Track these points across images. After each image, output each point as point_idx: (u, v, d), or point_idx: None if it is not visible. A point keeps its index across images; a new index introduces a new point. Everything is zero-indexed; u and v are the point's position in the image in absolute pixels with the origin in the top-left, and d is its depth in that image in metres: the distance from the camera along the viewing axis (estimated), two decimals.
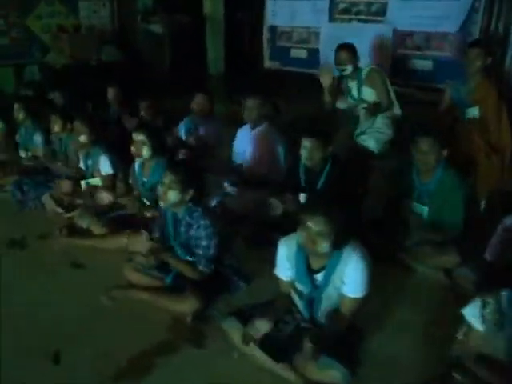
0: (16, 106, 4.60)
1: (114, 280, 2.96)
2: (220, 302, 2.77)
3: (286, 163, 3.90)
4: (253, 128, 3.95)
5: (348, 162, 3.66)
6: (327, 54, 5.91)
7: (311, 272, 2.30)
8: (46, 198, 3.88)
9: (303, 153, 3.31)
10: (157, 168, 3.31)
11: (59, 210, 3.75)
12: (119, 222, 3.38)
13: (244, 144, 4.00)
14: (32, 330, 2.61)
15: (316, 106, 6.63)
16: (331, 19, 5.85)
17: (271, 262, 3.17)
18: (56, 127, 4.14)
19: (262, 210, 3.61)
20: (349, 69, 4.12)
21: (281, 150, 3.92)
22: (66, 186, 3.73)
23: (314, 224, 2.10)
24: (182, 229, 2.73)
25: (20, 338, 2.55)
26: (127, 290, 2.82)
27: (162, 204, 2.69)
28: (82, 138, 3.63)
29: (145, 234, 2.66)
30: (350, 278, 2.22)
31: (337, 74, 4.33)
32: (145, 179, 3.38)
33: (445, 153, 3.03)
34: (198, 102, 4.27)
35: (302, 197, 3.44)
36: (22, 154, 4.62)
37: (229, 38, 9.12)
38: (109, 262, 3.18)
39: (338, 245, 2.16)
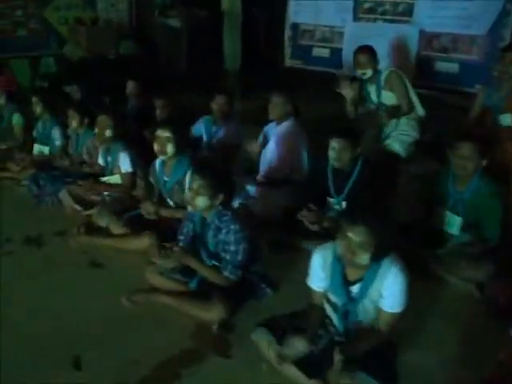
0: (34, 99, 4.50)
1: (134, 282, 2.85)
2: (246, 309, 2.66)
3: (308, 163, 3.80)
4: (277, 124, 3.84)
5: (377, 164, 3.55)
6: (350, 53, 5.79)
7: (347, 283, 2.19)
8: (64, 195, 3.78)
9: (331, 154, 3.22)
10: (179, 167, 3.20)
11: (77, 207, 3.65)
12: (139, 221, 3.27)
13: (267, 141, 3.89)
14: (49, 334, 2.51)
15: (337, 106, 6.51)
16: (356, 18, 5.72)
17: (296, 268, 3.11)
18: (74, 122, 4.04)
19: (284, 213, 3.51)
20: (368, 72, 4.03)
21: (304, 150, 3.80)
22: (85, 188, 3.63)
23: (355, 234, 1.99)
24: (211, 233, 2.62)
25: (36, 342, 2.45)
26: (149, 294, 2.71)
27: (190, 209, 2.58)
28: (108, 133, 3.53)
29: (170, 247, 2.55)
30: (389, 291, 2.11)
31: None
32: (166, 178, 3.27)
33: (484, 162, 2.91)
34: (219, 102, 4.12)
35: (331, 201, 3.35)
36: (39, 148, 4.53)
37: (245, 35, 9.03)
38: (129, 263, 3.08)
39: (377, 256, 2.05)
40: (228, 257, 2.57)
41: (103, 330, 2.53)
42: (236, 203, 3.74)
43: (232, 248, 2.55)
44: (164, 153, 3.14)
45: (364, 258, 2.02)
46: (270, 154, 3.82)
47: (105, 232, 3.38)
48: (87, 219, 3.52)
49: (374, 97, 4.14)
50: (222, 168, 2.65)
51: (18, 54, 6.95)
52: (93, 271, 3.05)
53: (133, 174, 3.60)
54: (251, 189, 3.79)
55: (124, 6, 8.03)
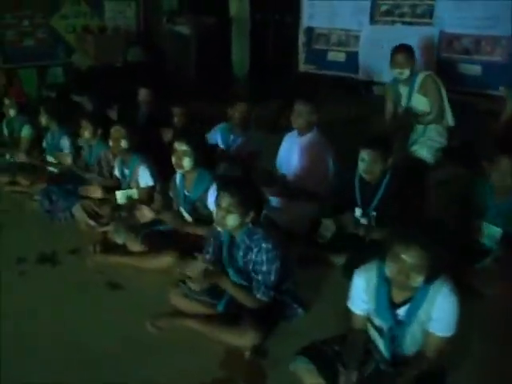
0: (42, 109, 4.35)
1: (156, 304, 2.68)
2: (277, 332, 2.47)
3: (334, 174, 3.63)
4: (301, 135, 3.66)
5: (406, 173, 3.38)
6: (367, 57, 5.63)
7: (393, 306, 2.01)
8: (77, 210, 3.61)
9: (361, 165, 3.04)
10: (200, 181, 3.03)
11: (92, 222, 3.48)
12: (159, 238, 3.09)
13: (290, 152, 3.71)
14: (66, 360, 2.34)
15: (353, 111, 6.33)
16: (372, 21, 5.54)
17: (326, 285, 2.93)
18: (86, 133, 3.87)
19: (310, 226, 3.34)
20: (406, 72, 3.86)
21: (330, 160, 3.62)
22: (94, 191, 3.45)
23: (410, 257, 1.82)
24: (240, 252, 2.43)
25: (54, 367, 2.29)
26: (175, 318, 2.53)
27: (219, 229, 2.41)
28: (123, 144, 3.36)
29: (200, 257, 2.37)
30: (440, 314, 1.94)
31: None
32: (187, 193, 3.09)
33: None
34: (240, 110, 3.95)
35: (358, 212, 3.17)
36: (49, 160, 4.37)
37: (255, 41, 8.89)
38: (149, 284, 2.91)
39: (431, 278, 1.87)
40: (260, 277, 2.39)
41: (125, 356, 2.36)
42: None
43: (264, 268, 2.37)
44: (181, 167, 2.97)
45: (418, 280, 1.86)
46: (293, 165, 3.64)
47: (122, 250, 3.20)
48: (103, 236, 3.35)
49: (404, 99, 3.96)
50: (251, 183, 2.47)
51: (25, 64, 6.82)
52: (111, 292, 2.88)
53: (151, 188, 3.43)
54: (274, 200, 3.62)
55: (132, 13, 7.89)
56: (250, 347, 2.29)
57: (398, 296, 2.01)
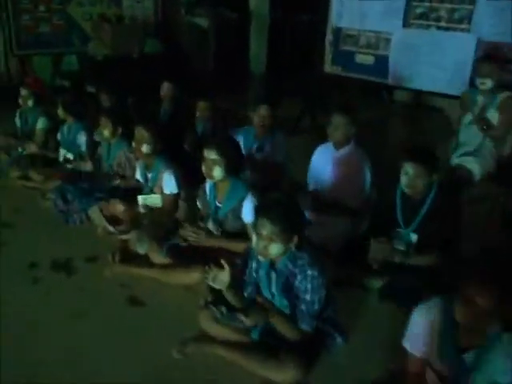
0: (59, 102, 4.11)
1: (183, 326, 2.46)
2: (317, 364, 2.26)
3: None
4: (337, 148, 3.41)
5: (453, 188, 3.16)
6: (398, 61, 5.38)
7: (459, 351, 1.79)
8: (95, 213, 3.39)
9: (404, 179, 2.81)
10: (233, 192, 2.79)
11: (111, 228, 3.25)
12: (185, 251, 2.87)
13: (324, 165, 3.47)
14: None
15: (377, 115, 6.05)
16: (406, 24, 5.27)
17: (364, 311, 2.71)
18: (106, 131, 3.63)
19: (343, 244, 3.12)
20: (489, 84, 3.69)
21: (368, 174, 3.39)
22: (118, 208, 3.23)
23: (485, 300, 1.59)
24: (282, 279, 2.21)
25: None
26: (204, 345, 2.31)
27: (261, 258, 2.18)
28: (145, 148, 3.12)
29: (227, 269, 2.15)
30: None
31: None
32: (218, 204, 2.86)
33: None
34: (263, 114, 3.62)
35: (399, 232, 2.94)
36: (64, 153, 4.14)
37: (276, 38, 8.65)
38: (174, 301, 2.69)
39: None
40: (303, 307, 2.17)
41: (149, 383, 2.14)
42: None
43: (308, 297, 2.15)
44: (211, 177, 2.74)
45: (493, 326, 1.64)
46: (328, 179, 3.41)
47: (144, 260, 2.97)
48: (122, 244, 3.12)
49: (478, 109, 3.81)
50: (293, 205, 2.23)
51: (40, 51, 6.58)
52: (132, 309, 2.65)
53: (176, 196, 3.20)
54: (308, 215, 3.40)
55: (150, 3, 7.63)
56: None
57: (465, 340, 1.79)
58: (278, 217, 2.07)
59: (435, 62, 5.11)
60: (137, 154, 3.23)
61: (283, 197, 2.23)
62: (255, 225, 2.13)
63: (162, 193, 3.20)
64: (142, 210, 3.23)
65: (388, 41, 5.43)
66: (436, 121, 6.29)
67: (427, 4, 5.13)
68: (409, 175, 2.78)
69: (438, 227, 2.78)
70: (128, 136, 3.67)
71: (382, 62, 5.49)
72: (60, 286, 2.84)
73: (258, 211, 2.15)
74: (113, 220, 3.31)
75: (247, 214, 2.76)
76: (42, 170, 4.10)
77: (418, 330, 1.88)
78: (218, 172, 2.70)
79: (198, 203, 3.00)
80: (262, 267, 2.27)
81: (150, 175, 3.26)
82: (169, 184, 3.14)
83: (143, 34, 7.29)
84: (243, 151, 3.77)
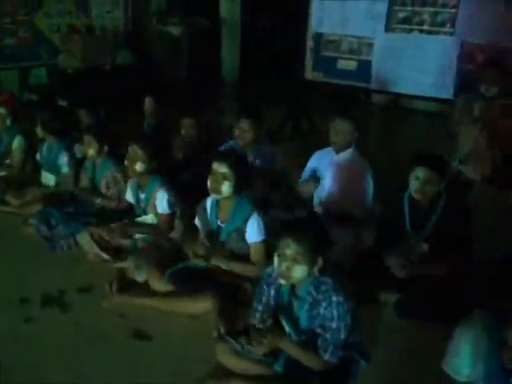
0: (38, 120, 3.85)
1: (197, 361, 2.28)
2: None
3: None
4: (337, 152, 3.30)
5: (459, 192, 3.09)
6: (381, 66, 5.34)
7: (506, 373, 1.68)
8: (84, 238, 3.16)
9: (414, 184, 2.74)
10: (239, 211, 2.63)
11: (105, 256, 3.02)
12: (187, 277, 2.68)
13: (323, 170, 3.35)
14: None
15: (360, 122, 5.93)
16: (388, 29, 5.25)
17: (378, 327, 2.59)
18: (91, 150, 3.41)
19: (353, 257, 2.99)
20: (493, 91, 3.71)
21: (370, 180, 3.28)
22: (118, 232, 3.01)
23: None
24: (305, 306, 2.05)
25: None
26: (224, 380, 2.13)
27: (283, 282, 2.03)
28: (139, 167, 2.92)
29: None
30: None
31: None
32: (221, 223, 2.69)
33: None
34: (244, 128, 3.45)
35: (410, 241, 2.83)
36: (44, 177, 3.89)
37: (252, 45, 8.53)
38: (183, 333, 2.50)
39: None
40: (328, 335, 2.01)
41: None
42: (261, 232, 3.21)
43: (334, 325, 2.00)
44: (218, 192, 2.56)
45: None
46: (327, 186, 3.30)
47: (144, 288, 2.77)
48: (118, 271, 2.90)
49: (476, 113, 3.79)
50: (318, 223, 2.09)
51: (5, 65, 6.24)
52: (137, 344, 2.44)
53: (171, 215, 3.01)
54: None
55: (120, 13, 7.39)
56: None
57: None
58: (303, 236, 1.93)
59: (418, 66, 5.09)
60: (129, 173, 3.02)
61: (308, 216, 2.09)
62: (278, 245, 1.98)
63: (155, 213, 3.01)
64: (137, 236, 3.02)
65: (370, 45, 5.39)
66: (418, 123, 6.30)
67: (409, 8, 5.12)
68: (419, 180, 2.72)
69: (450, 233, 2.69)
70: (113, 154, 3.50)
71: (364, 67, 5.46)
72: (55, 322, 2.60)
73: (283, 230, 2.01)
74: (105, 246, 3.08)
75: (252, 234, 2.61)
76: (20, 194, 3.82)
77: (463, 354, 1.76)
78: (226, 187, 2.53)
79: (196, 222, 2.82)
80: (282, 294, 2.11)
81: (142, 195, 3.06)
82: (163, 202, 2.96)
83: (114, 44, 7.04)
84: None
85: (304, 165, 3.53)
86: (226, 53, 8.74)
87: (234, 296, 2.59)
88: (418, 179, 2.72)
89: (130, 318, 2.61)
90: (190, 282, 2.65)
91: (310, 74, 5.80)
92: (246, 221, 2.60)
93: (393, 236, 2.89)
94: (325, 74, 5.72)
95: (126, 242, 3.06)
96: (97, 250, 3.04)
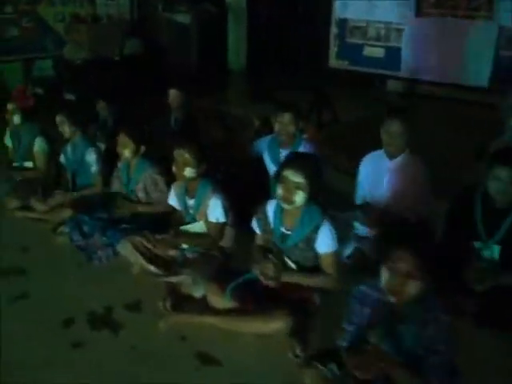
0: (59, 118, 3.55)
1: None
2: None
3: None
4: (391, 157, 3.05)
5: None
6: (411, 53, 5.10)
7: None
8: (126, 248, 2.90)
9: (494, 184, 2.49)
10: (307, 218, 2.38)
11: (153, 269, 2.76)
12: (252, 291, 2.43)
13: (378, 176, 3.11)
14: None
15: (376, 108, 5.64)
16: (419, 14, 4.99)
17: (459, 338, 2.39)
18: (126, 152, 3.14)
19: None
20: None
21: (427, 185, 3.05)
22: (168, 243, 2.75)
23: None
24: (412, 327, 1.83)
25: None
26: None
27: (392, 299, 1.80)
28: (188, 172, 2.66)
29: None
30: None
31: None
32: (286, 231, 2.44)
33: None
34: (285, 122, 3.23)
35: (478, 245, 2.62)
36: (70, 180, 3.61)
37: (268, 32, 8.21)
38: (255, 356, 2.26)
39: None
40: (437, 360, 1.80)
41: None
42: (348, 250, 3.00)
43: (443, 348, 1.79)
44: (290, 202, 2.32)
45: None
46: (382, 192, 3.06)
47: (201, 305, 2.52)
48: (170, 285, 2.65)
49: None
50: (427, 230, 1.87)
51: (9, 58, 5.89)
52: (206, 369, 2.21)
53: (224, 223, 2.76)
54: (362, 229, 3.06)
55: (125, 1, 7.03)
56: None
57: None
58: (416, 250, 1.71)
59: (452, 53, 4.86)
60: (178, 179, 2.76)
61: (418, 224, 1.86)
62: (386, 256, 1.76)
63: (206, 220, 2.76)
64: (184, 245, 2.77)
65: (399, 32, 5.14)
66: (444, 111, 6.05)
67: None
68: (500, 180, 2.47)
69: None
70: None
71: (393, 55, 5.20)
72: (108, 346, 2.36)
73: (395, 240, 1.78)
74: (150, 257, 2.83)
75: (324, 244, 2.38)
76: (45, 199, 3.54)
77: None
78: (300, 198, 2.29)
79: (254, 227, 2.57)
80: (383, 313, 1.89)
81: (191, 201, 2.79)
82: (215, 210, 2.70)
83: (122, 34, 6.70)
84: (271, 163, 3.41)
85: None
86: (232, 40, 8.43)
87: (304, 311, 2.36)
88: (498, 179, 2.47)
89: (191, 339, 2.37)
90: (253, 297, 2.42)
91: (334, 62, 5.55)
92: (315, 229, 2.37)
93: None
94: (350, 61, 5.46)
95: (172, 253, 2.80)
96: (142, 261, 2.79)
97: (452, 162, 3.89)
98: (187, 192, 2.82)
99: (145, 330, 2.44)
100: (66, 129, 3.54)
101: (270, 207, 2.51)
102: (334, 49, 5.50)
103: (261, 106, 5.62)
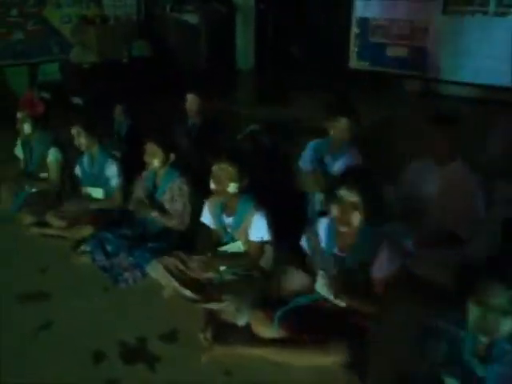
0: (75, 130, 3.32)
1: None
2: None
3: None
4: (441, 165, 2.83)
5: None
6: (437, 53, 4.88)
7: None
8: (157, 271, 2.65)
9: None
10: (363, 239, 2.17)
11: (188, 293, 2.51)
12: (302, 319, 2.21)
13: (426, 186, 2.88)
14: None
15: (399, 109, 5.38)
16: (445, 11, 4.77)
17: None
18: (156, 161, 2.92)
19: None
20: None
21: (480, 196, 2.82)
22: (206, 265, 2.52)
23: None
24: (498, 367, 1.61)
25: None
26: None
27: (483, 339, 1.58)
28: (232, 188, 2.43)
29: None
30: None
31: None
32: (340, 253, 2.22)
33: None
34: (341, 127, 3.04)
35: None
36: (90, 191, 3.38)
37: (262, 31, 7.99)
38: None
39: None
40: None
41: None
42: (391, 265, 2.78)
43: None
44: (347, 224, 2.10)
45: None
46: (432, 204, 2.84)
47: (244, 334, 2.29)
48: (209, 312, 2.41)
49: None
50: None
51: (14, 61, 5.64)
52: None
53: (265, 242, 2.54)
54: (408, 244, 2.83)
55: (132, 1, 6.79)
56: None
57: None
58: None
59: (483, 52, 4.63)
60: (218, 195, 2.52)
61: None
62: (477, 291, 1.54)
63: (246, 240, 2.53)
64: (221, 267, 2.54)
65: (425, 30, 4.91)
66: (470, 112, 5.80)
67: None
68: None
69: None
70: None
71: (418, 54, 4.97)
72: (144, 383, 2.13)
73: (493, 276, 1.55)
74: (184, 279, 2.59)
75: (379, 269, 2.16)
76: (62, 214, 3.30)
77: None
78: (357, 219, 2.07)
79: (304, 246, 2.35)
80: (463, 351, 1.67)
81: (229, 219, 2.56)
82: (259, 228, 2.47)
83: (130, 35, 6.46)
84: (316, 166, 3.19)
85: None
86: (241, 40, 8.21)
87: (361, 341, 2.14)
88: None
89: (236, 373, 2.15)
90: (305, 326, 2.19)
91: (354, 62, 5.31)
92: (375, 254, 2.15)
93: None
94: (372, 62, 5.23)
95: (209, 275, 2.57)
96: (176, 285, 2.55)
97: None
98: (224, 209, 2.59)
99: (184, 363, 2.21)
100: (82, 140, 3.30)
101: (322, 225, 2.28)
102: (354, 49, 5.26)
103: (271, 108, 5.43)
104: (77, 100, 5.93)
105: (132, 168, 3.30)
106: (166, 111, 4.84)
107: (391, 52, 5.11)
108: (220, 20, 7.30)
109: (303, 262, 2.47)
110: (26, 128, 3.59)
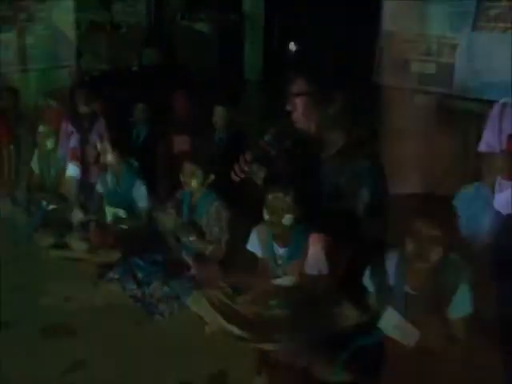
0: (101, 146, 3.10)
1: None
2: None
3: None
4: (494, 189, 2.64)
5: None
6: (466, 70, 4.72)
7: None
8: (197, 303, 2.42)
9: None
10: (443, 275, 1.96)
11: (236, 330, 2.27)
12: (367, 359, 2.00)
13: (479, 214, 2.69)
14: None
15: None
16: (475, 27, 4.61)
17: None
18: (193, 182, 2.69)
19: None
20: None
21: None
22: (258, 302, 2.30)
23: None
24: None
25: None
26: None
27: None
28: (287, 220, 2.22)
29: None
30: None
31: None
32: (412, 291, 2.02)
33: None
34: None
35: None
36: (113, 212, 3.14)
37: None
38: None
39: None
40: None
41: None
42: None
43: None
44: (426, 260, 1.90)
45: None
46: (488, 234, 2.65)
47: (305, 378, 2.06)
48: (260, 351, 2.19)
49: None
50: None
51: (24, 67, 5.40)
52: None
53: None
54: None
55: (143, 7, 6.57)
56: None
57: None
58: None
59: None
60: (272, 228, 2.30)
61: None
62: None
63: (301, 273, 2.31)
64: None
65: (453, 46, 4.75)
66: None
67: (504, 3, 4.48)
68: None
69: None
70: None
71: (445, 72, 4.81)
72: None
73: None
74: (230, 314, 2.36)
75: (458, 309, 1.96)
76: (85, 235, 3.06)
77: None
78: (437, 255, 1.87)
79: (367, 284, 2.14)
80: None
81: (282, 250, 2.34)
82: (318, 261, 2.25)
83: (140, 42, 6.25)
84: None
85: None
86: (249, 49, 8.05)
87: None
88: None
89: None
90: (372, 369, 1.98)
91: (378, 77, 5.14)
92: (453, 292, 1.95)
93: None
94: (396, 77, 5.06)
95: (258, 310, 2.34)
96: (222, 321, 2.31)
97: None
98: (275, 239, 2.37)
99: None
100: (109, 158, 3.07)
101: (392, 261, 2.08)
102: (378, 63, 5.09)
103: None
104: (84, 109, 5.67)
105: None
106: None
107: (416, 68, 4.95)
108: (230, 28, 7.13)
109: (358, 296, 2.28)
110: (49, 144, 3.38)
